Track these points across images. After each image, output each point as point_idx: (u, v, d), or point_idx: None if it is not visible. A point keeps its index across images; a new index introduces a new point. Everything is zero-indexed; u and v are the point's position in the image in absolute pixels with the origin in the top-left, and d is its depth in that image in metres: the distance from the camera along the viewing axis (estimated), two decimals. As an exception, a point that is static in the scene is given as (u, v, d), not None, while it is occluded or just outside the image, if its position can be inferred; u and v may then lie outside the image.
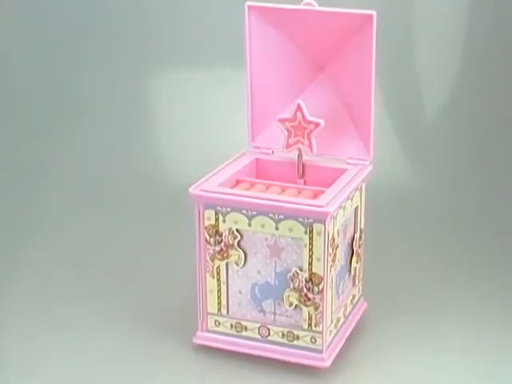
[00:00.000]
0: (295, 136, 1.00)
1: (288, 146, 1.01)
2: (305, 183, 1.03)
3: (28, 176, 1.42)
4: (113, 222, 1.34)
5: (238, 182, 1.00)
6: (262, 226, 0.92)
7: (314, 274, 0.91)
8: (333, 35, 0.99)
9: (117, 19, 1.48)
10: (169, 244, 1.26)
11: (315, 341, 0.94)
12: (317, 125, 0.99)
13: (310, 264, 0.91)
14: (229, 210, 0.93)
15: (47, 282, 1.16)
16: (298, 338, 0.95)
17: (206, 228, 0.94)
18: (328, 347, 0.95)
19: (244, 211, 0.92)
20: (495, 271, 1.18)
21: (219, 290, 0.96)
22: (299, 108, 0.99)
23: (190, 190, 0.94)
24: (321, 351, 0.94)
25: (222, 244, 0.94)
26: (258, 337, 0.96)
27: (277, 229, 0.91)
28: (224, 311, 0.97)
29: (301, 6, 0.99)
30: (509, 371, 0.96)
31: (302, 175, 1.03)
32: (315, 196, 0.96)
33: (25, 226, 1.32)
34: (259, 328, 0.96)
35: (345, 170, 1.01)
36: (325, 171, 1.02)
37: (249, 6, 1.00)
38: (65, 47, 1.49)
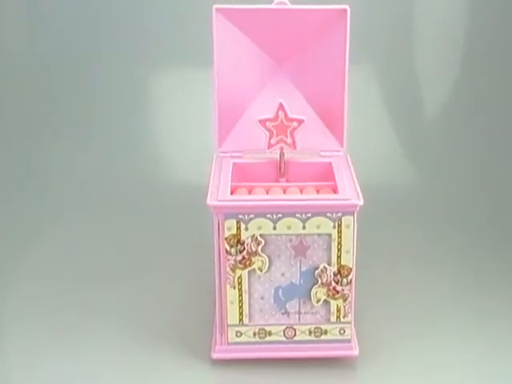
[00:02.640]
0: (277, 135, 1.00)
1: (270, 146, 1.01)
2: (287, 181, 1.03)
3: (28, 176, 1.41)
4: (113, 222, 1.33)
5: (233, 189, 0.98)
6: (288, 228, 0.91)
7: (343, 266, 0.93)
8: (306, 32, 1.00)
9: (117, 19, 1.47)
10: (171, 245, 1.24)
11: (344, 332, 0.96)
12: (300, 121, 1.00)
13: (339, 257, 0.93)
14: (252, 216, 0.91)
15: (47, 283, 1.15)
16: (325, 332, 0.96)
17: (226, 239, 0.91)
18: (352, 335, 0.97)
19: (269, 215, 0.91)
20: (495, 269, 1.19)
21: (241, 300, 0.94)
22: (281, 107, 0.99)
23: (209, 202, 0.91)
24: (349, 340, 0.96)
25: (245, 252, 0.92)
26: (284, 339, 0.96)
27: (304, 228, 0.91)
28: (246, 320, 0.95)
29: (271, 6, 0.99)
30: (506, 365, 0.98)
31: (284, 173, 1.03)
32: (318, 191, 0.98)
33: (25, 226, 1.30)
34: (284, 330, 0.96)
35: (325, 163, 1.03)
36: (304, 167, 1.04)
37: (216, 9, 0.98)
38: (64, 47, 1.48)
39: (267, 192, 0.98)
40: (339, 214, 0.91)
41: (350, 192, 0.93)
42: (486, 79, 1.49)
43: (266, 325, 0.95)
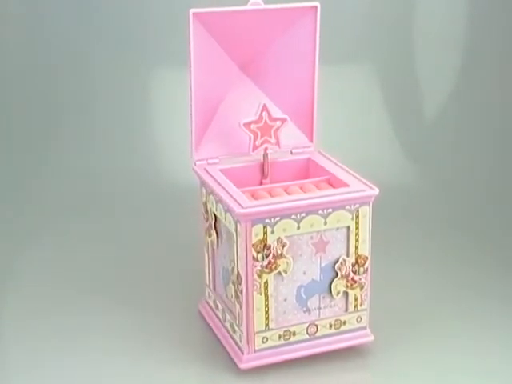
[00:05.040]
0: (262, 137, 1.00)
1: (255, 148, 1.00)
2: (271, 182, 1.03)
3: (28, 176, 1.41)
4: (113, 222, 1.33)
5: (237, 195, 0.96)
6: (311, 226, 0.92)
7: (360, 255, 0.95)
8: (276, 31, 1.00)
9: (117, 19, 1.46)
10: (172, 245, 1.25)
11: (360, 319, 0.98)
12: (283, 120, 1.01)
13: (357, 247, 0.95)
14: (278, 219, 0.90)
15: (47, 283, 1.15)
16: (344, 322, 0.97)
17: (253, 245, 0.90)
18: (365, 321, 1.00)
19: (293, 216, 0.91)
20: (496, 268, 1.20)
21: (267, 305, 0.93)
22: (265, 108, 0.99)
23: (238, 211, 0.89)
24: (365, 327, 0.99)
25: (271, 256, 0.91)
26: (307, 337, 0.96)
27: (325, 224, 0.92)
28: (272, 325, 0.94)
29: (246, 7, 0.98)
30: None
31: (267, 175, 1.03)
32: (318, 187, 0.99)
33: (25, 226, 1.31)
34: (307, 328, 0.96)
35: (303, 159, 1.05)
36: (284, 166, 1.04)
37: (193, 13, 0.96)
38: (65, 47, 1.47)
39: (270, 194, 0.97)
40: (357, 206, 0.93)
41: (362, 182, 0.95)
42: (486, 79, 1.49)
43: (289, 326, 0.95)
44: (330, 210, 0.92)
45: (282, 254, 0.91)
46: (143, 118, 1.49)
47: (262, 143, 1.00)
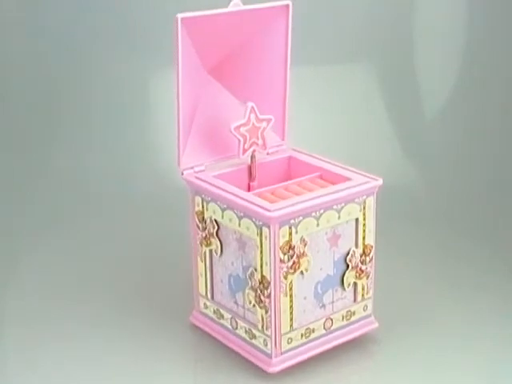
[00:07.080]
0: (250, 139, 1.00)
1: (244, 151, 1.00)
2: (258, 184, 1.03)
3: (28, 176, 1.40)
4: (113, 222, 1.33)
5: (244, 199, 0.95)
6: (328, 221, 0.93)
7: (366, 245, 0.98)
8: (254, 32, 1.00)
9: (117, 19, 1.44)
10: (173, 245, 1.24)
11: (366, 307, 1.01)
12: (269, 121, 1.01)
13: (364, 238, 0.97)
14: (301, 218, 0.91)
15: (47, 283, 1.16)
16: (354, 313, 1.00)
17: (280, 248, 0.90)
18: (367, 309, 1.03)
19: (313, 214, 0.92)
20: (496, 268, 1.20)
21: (291, 306, 0.93)
22: (252, 110, 0.99)
23: (268, 214, 0.88)
24: (370, 315, 1.02)
25: (294, 257, 0.91)
26: (324, 332, 0.97)
27: (339, 218, 0.94)
28: (295, 325, 0.94)
29: (229, 9, 0.97)
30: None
31: (255, 177, 1.03)
32: (314, 184, 1.00)
33: (25, 226, 1.31)
34: (324, 323, 0.97)
35: (283, 158, 1.05)
36: (267, 167, 1.04)
37: (182, 19, 0.93)
38: (64, 47, 1.46)
39: (273, 194, 0.97)
40: (364, 197, 0.95)
41: (362, 175, 0.97)
42: (486, 79, 1.48)
43: (309, 323, 0.96)
44: (343, 204, 0.94)
45: (303, 253, 0.92)
46: (142, 118, 1.46)
47: (250, 146, 1.00)
